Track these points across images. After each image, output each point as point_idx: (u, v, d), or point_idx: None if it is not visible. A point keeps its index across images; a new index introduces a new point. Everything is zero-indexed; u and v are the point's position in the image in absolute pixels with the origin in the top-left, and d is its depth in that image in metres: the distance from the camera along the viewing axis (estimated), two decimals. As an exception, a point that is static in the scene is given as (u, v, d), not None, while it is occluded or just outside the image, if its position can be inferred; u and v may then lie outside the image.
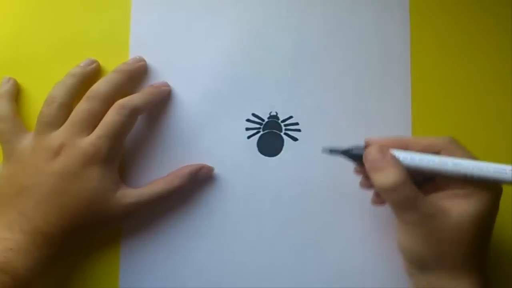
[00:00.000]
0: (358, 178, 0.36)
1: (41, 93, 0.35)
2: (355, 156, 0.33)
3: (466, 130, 0.38)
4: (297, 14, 0.39)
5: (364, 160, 0.32)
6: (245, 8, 0.39)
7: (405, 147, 0.33)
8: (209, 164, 0.37)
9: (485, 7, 0.39)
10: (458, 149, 0.32)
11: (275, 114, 0.38)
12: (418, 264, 0.32)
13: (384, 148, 0.32)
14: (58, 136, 0.33)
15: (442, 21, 0.39)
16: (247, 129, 0.38)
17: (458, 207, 0.30)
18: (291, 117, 0.38)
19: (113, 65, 0.37)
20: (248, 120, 0.38)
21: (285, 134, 0.38)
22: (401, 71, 0.39)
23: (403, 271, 0.35)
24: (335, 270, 0.37)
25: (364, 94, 0.38)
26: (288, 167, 0.38)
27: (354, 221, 0.37)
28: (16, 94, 0.37)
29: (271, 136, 0.38)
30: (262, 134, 0.38)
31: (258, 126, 0.38)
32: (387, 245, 0.36)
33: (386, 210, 0.36)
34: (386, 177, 0.31)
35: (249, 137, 0.38)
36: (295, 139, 0.38)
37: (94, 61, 0.37)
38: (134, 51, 0.38)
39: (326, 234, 0.37)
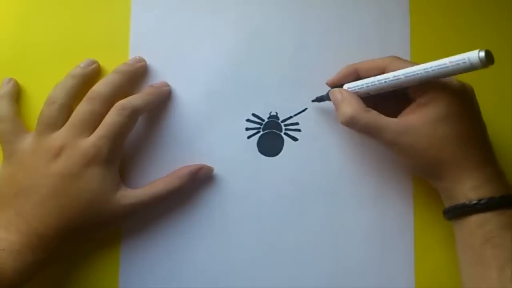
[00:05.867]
0: (358, 178, 0.36)
1: (41, 94, 0.35)
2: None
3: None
4: (297, 14, 0.39)
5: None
6: (245, 8, 0.39)
7: (356, 75, 0.35)
8: (209, 164, 0.37)
9: (484, 8, 0.39)
10: (401, 62, 0.33)
11: (275, 114, 0.38)
12: (421, 175, 0.35)
13: (342, 89, 0.35)
14: (58, 137, 0.33)
15: (442, 21, 0.39)
16: (247, 129, 0.38)
17: (420, 117, 0.32)
18: (291, 117, 0.38)
19: (113, 65, 0.37)
20: (248, 120, 0.38)
21: (285, 134, 0.38)
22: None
23: None
24: (335, 270, 0.37)
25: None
26: (288, 167, 0.38)
27: (354, 221, 0.37)
28: (17, 95, 0.37)
29: (271, 136, 0.38)
30: (262, 134, 0.38)
31: (258, 126, 0.38)
32: (387, 245, 0.37)
33: (385, 210, 0.37)
34: (344, 111, 0.33)
35: (249, 137, 0.38)
36: (295, 139, 0.38)
37: (94, 62, 0.37)
38: (134, 51, 0.38)
39: (325, 233, 0.37)
